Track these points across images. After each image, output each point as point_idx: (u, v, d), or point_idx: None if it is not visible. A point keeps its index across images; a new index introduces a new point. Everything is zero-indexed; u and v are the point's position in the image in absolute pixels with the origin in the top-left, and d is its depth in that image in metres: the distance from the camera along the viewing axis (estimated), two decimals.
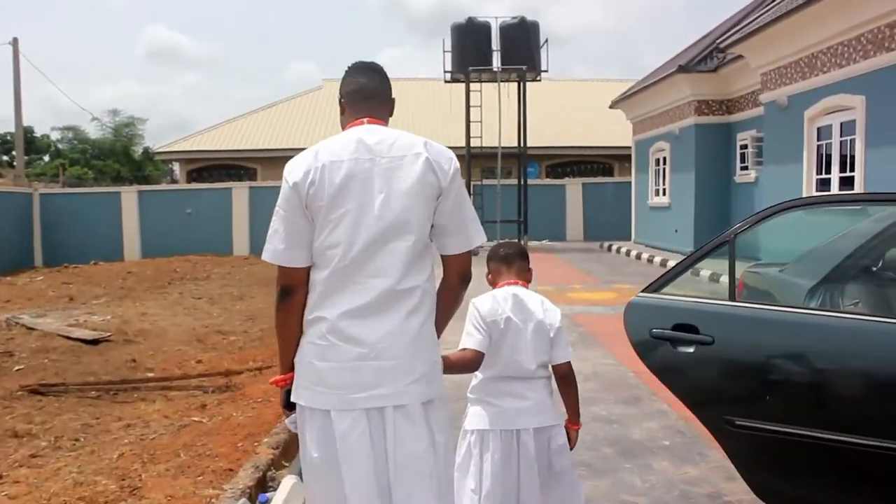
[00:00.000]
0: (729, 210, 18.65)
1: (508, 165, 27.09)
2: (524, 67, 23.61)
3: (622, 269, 17.72)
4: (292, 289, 2.48)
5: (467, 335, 3.09)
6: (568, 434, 3.23)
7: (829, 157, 12.95)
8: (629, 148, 25.35)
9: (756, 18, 15.02)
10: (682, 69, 18.12)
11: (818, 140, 13.20)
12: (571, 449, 3.24)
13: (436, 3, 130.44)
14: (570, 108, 33.43)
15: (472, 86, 23.89)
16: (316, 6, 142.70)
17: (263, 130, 33.27)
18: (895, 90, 10.97)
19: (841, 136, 12.51)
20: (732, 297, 3.48)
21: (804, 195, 13.32)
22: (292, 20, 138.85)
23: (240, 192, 25.29)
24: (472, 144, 23.79)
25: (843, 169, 12.52)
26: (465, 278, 2.58)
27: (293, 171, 2.45)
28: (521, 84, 24.36)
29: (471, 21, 23.61)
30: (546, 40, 24.27)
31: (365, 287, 2.39)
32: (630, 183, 25.13)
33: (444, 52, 24.41)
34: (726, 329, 3.38)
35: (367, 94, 2.59)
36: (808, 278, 4.59)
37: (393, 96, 2.67)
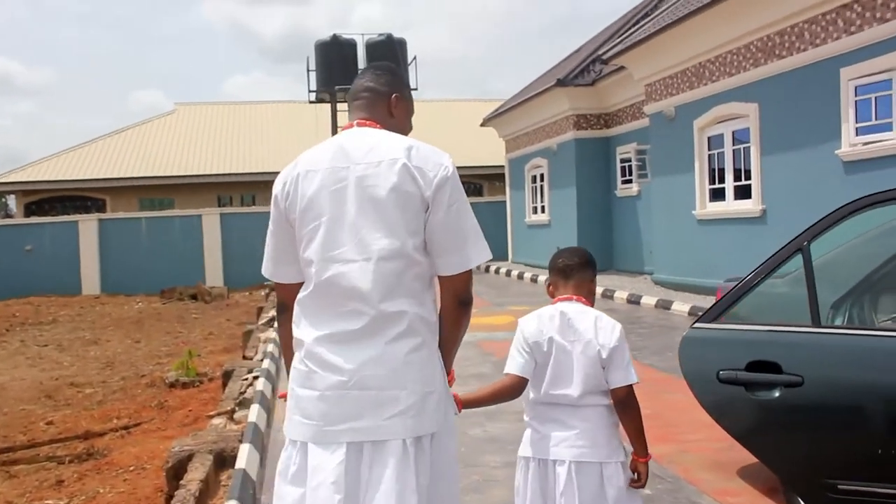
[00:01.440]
0: (611, 224, 18.45)
1: None
2: None
3: (509, 290, 17.07)
4: (284, 305, 2.39)
5: (510, 358, 2.79)
6: (637, 469, 2.80)
7: (721, 166, 12.71)
8: (501, 167, 24.95)
9: (639, 29, 14.81)
10: (561, 83, 17.78)
11: (709, 150, 12.97)
12: (643, 486, 2.80)
13: (284, 29, 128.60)
14: (439, 128, 32.81)
15: (339, 105, 22.86)
16: (157, 33, 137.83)
17: (112, 158, 30.76)
18: (788, 97, 10.82)
19: (734, 145, 12.29)
20: (817, 322, 2.63)
21: (697, 206, 13.06)
22: (133, 48, 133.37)
23: (87, 226, 23.01)
24: None
25: (737, 178, 12.30)
26: (463, 301, 2.25)
27: (276, 184, 2.34)
28: None
29: (336, 38, 22.60)
30: (414, 57, 23.58)
31: (342, 309, 2.18)
32: (504, 202, 24.70)
33: (307, 70, 23.30)
34: (818, 364, 2.55)
35: (356, 94, 2.41)
36: (825, 290, 3.83)
37: (398, 93, 2.41)
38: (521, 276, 19.87)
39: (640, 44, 13.74)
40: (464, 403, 2.53)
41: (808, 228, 2.77)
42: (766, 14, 11.03)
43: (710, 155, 12.99)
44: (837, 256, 3.96)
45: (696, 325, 2.77)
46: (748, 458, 4.87)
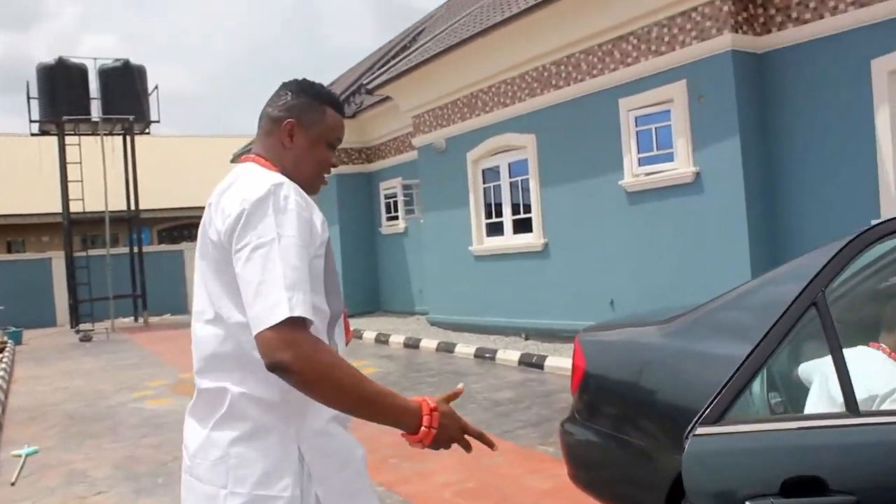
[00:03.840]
0: (377, 263, 17.71)
1: (116, 232, 23.67)
2: (131, 118, 20.62)
3: None
4: None
5: None
6: None
7: (498, 200, 12.33)
8: None
9: (401, 59, 14.23)
10: None
11: (485, 183, 12.55)
12: None
13: None
14: (183, 166, 30.53)
15: (69, 139, 20.34)
16: None
17: None
18: (567, 127, 10.63)
19: (511, 178, 11.94)
20: (853, 409, 1.81)
21: (474, 241, 12.57)
22: None
23: None
24: (71, 209, 20.33)
25: (515, 212, 11.95)
26: (277, 366, 1.57)
27: None
28: (128, 137, 21.28)
29: (62, 62, 20.07)
30: (156, 87, 21.55)
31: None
32: None
33: (28, 98, 20.48)
34: (868, 473, 1.72)
35: (258, 122, 2.00)
36: (728, 341, 3.06)
37: (294, 118, 1.91)
38: None
39: (408, 73, 13.13)
40: None
41: (819, 273, 1.95)
42: (538, 45, 10.82)
43: (485, 188, 12.59)
44: (739, 295, 3.25)
45: (699, 430, 1.85)
46: None
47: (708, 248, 8.67)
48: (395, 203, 16.68)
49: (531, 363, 9.75)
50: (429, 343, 12.20)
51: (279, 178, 1.77)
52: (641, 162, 9.48)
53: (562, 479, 5.32)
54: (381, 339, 13.65)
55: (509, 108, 11.67)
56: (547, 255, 11.15)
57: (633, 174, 9.56)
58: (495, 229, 12.42)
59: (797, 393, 2.27)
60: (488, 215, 12.59)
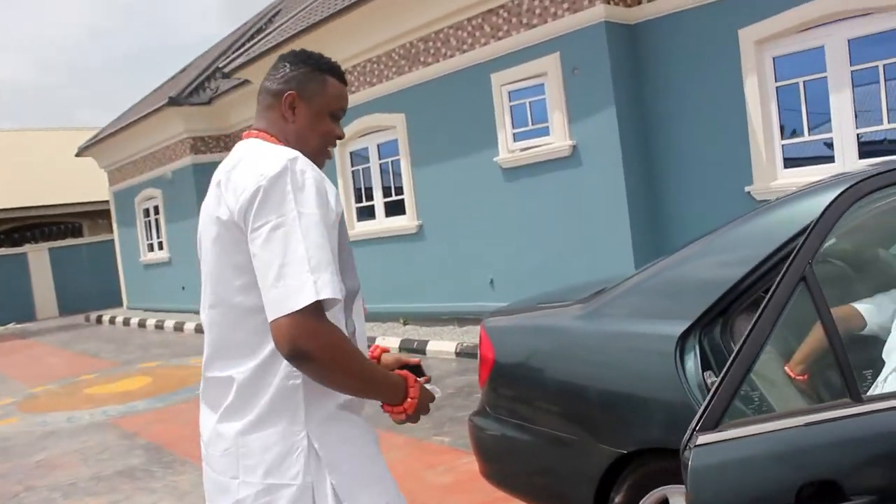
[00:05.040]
0: None
1: None
2: None
3: (132, 343, 14.65)
4: None
5: None
6: None
7: (368, 184, 11.87)
8: (105, 202, 22.04)
9: (263, 39, 13.51)
10: (174, 102, 15.75)
11: (353, 166, 12.06)
12: None
13: None
14: (22, 162, 28.25)
15: None
16: None
17: None
18: (438, 105, 10.30)
19: (381, 159, 11.51)
20: (855, 395, 1.53)
21: (356, 227, 12.07)
22: None
23: None
24: None
25: (387, 194, 11.53)
26: (298, 354, 1.54)
27: None
28: None
29: None
30: None
31: None
32: (111, 241, 21.80)
33: None
34: (889, 466, 1.46)
35: (257, 98, 1.93)
36: (663, 318, 2.76)
37: (295, 90, 1.83)
38: (142, 324, 17.40)
39: (267, 54, 12.38)
40: None
41: (803, 244, 1.65)
42: (404, 21, 10.43)
43: (354, 171, 12.10)
44: (660, 269, 2.98)
45: (700, 440, 1.52)
46: None
47: (588, 221, 8.56)
48: None
49: (412, 349, 9.46)
50: None
51: (292, 152, 1.68)
52: (517, 137, 9.27)
53: (461, 472, 5.02)
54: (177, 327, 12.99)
55: (376, 88, 11.21)
56: (422, 237, 10.81)
57: (509, 150, 9.34)
58: (367, 213, 11.96)
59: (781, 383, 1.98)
60: (358, 199, 12.12)
